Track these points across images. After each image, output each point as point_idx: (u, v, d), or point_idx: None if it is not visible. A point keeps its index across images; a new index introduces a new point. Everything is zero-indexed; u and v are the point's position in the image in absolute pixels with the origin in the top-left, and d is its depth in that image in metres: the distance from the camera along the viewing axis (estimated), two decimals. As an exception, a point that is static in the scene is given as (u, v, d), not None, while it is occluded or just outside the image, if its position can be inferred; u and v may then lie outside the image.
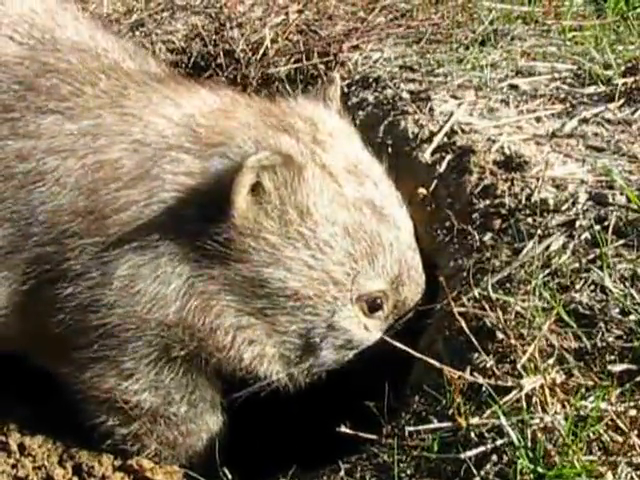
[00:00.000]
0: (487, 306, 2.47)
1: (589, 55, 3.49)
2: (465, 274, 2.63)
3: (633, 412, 2.12)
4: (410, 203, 2.83)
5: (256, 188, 2.45)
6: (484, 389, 2.28)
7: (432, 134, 3.10)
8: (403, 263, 2.63)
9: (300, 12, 4.15)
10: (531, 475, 2.05)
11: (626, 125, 3.03)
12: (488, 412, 2.22)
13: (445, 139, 3.07)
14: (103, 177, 2.53)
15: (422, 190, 3.00)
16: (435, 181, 3.00)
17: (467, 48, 3.71)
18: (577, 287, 2.46)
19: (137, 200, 2.49)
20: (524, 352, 2.30)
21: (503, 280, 2.55)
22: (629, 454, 2.06)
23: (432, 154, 3.06)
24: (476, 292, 2.52)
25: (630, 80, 3.22)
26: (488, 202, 2.82)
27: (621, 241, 2.53)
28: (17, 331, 2.68)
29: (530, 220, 2.69)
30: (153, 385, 2.63)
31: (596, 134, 3.02)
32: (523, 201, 2.75)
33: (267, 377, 2.60)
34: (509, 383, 2.27)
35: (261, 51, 3.94)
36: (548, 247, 2.58)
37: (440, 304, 2.64)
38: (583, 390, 2.18)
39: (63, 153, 2.57)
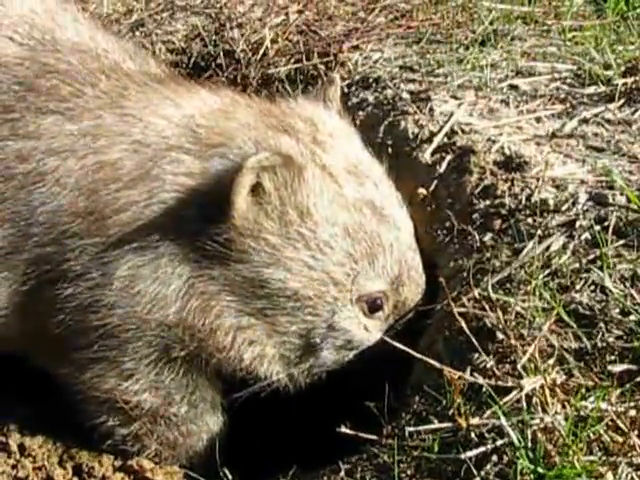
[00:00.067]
0: (487, 306, 2.47)
1: (589, 55, 3.50)
2: (465, 274, 2.63)
3: (633, 412, 2.12)
4: (410, 203, 2.83)
5: (256, 189, 2.45)
6: (484, 389, 2.28)
7: (432, 134, 3.10)
8: (403, 263, 2.63)
9: (300, 12, 4.15)
10: (531, 475, 2.05)
11: (626, 125, 3.03)
12: (488, 412, 2.22)
13: (445, 139, 3.07)
14: (103, 178, 2.53)
15: (422, 190, 3.00)
16: (435, 181, 3.00)
17: (467, 48, 3.71)
18: (577, 287, 2.46)
19: (137, 201, 2.49)
20: (524, 352, 2.30)
21: (503, 280, 2.55)
22: (629, 454, 2.06)
23: (432, 154, 3.06)
24: (476, 292, 2.52)
25: (630, 80, 3.22)
26: (488, 202, 2.82)
27: (621, 241, 2.53)
28: (17, 331, 2.68)
29: (530, 220, 2.69)
30: (153, 385, 2.64)
31: (596, 134, 3.02)
32: (523, 201, 2.76)
33: (267, 377, 2.60)
34: (509, 383, 2.27)
35: (261, 51, 3.94)
36: (548, 247, 2.58)
37: (440, 304, 2.64)
38: (583, 390, 2.18)
39: (63, 154, 2.57)
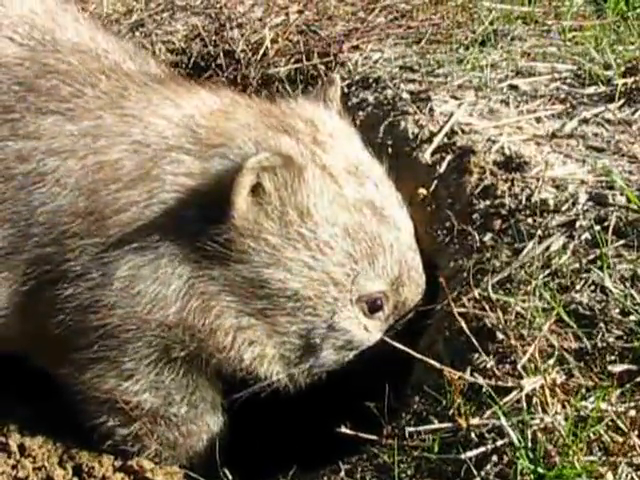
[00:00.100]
0: (487, 306, 2.47)
1: (589, 55, 3.50)
2: (465, 274, 2.63)
3: (633, 412, 2.12)
4: (410, 204, 2.83)
5: (256, 189, 2.45)
6: (484, 390, 2.28)
7: (432, 134, 3.10)
8: (403, 264, 2.63)
9: (300, 12, 4.15)
10: (531, 475, 2.05)
11: (626, 125, 3.03)
12: (488, 413, 2.22)
13: (445, 139, 3.07)
14: (103, 178, 2.53)
15: (422, 190, 3.00)
16: (435, 181, 3.00)
17: (467, 48, 3.71)
18: (577, 287, 2.46)
19: (137, 201, 2.49)
20: (524, 352, 2.30)
21: (503, 280, 2.55)
22: (629, 454, 2.06)
23: (432, 154, 3.06)
24: (476, 292, 2.52)
25: (630, 80, 3.22)
26: (488, 202, 2.82)
27: (621, 241, 2.53)
28: (17, 332, 2.68)
29: (530, 220, 2.69)
30: (153, 386, 2.64)
31: (596, 134, 3.03)
32: (523, 201, 2.76)
33: (267, 378, 2.60)
34: (509, 383, 2.27)
35: (261, 51, 3.94)
36: (548, 247, 2.58)
37: (440, 304, 2.64)
38: (583, 390, 2.18)
39: (63, 154, 2.57)
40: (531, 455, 2.07)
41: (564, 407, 2.16)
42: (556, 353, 2.29)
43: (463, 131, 3.07)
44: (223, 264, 2.48)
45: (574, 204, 2.69)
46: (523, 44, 3.74)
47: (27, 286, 2.59)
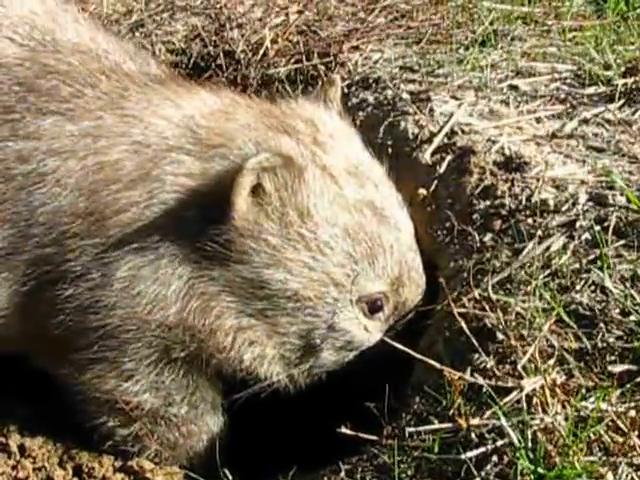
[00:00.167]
0: (487, 307, 2.47)
1: (589, 55, 3.50)
2: (465, 275, 2.63)
3: (633, 413, 2.12)
4: (410, 204, 2.83)
5: (256, 189, 2.45)
6: (484, 390, 2.28)
7: (432, 135, 3.10)
8: (403, 264, 2.63)
9: (300, 13, 4.15)
10: (532, 476, 2.05)
11: (626, 125, 3.03)
12: (488, 413, 2.22)
13: (445, 140, 3.07)
14: (103, 178, 2.53)
15: (422, 191, 3.00)
16: (435, 182, 3.00)
17: (467, 49, 3.71)
18: (577, 288, 2.46)
19: (137, 201, 2.49)
20: (524, 353, 2.31)
21: (503, 281, 2.55)
22: (629, 455, 2.06)
23: (432, 155, 3.06)
24: (476, 293, 2.52)
25: (630, 80, 3.22)
26: (488, 203, 2.82)
27: (621, 242, 2.53)
28: (17, 332, 2.68)
29: (530, 221, 2.69)
30: (154, 386, 2.64)
31: (596, 135, 3.03)
32: (523, 202, 2.76)
33: (267, 378, 2.60)
34: (509, 384, 2.27)
35: (261, 52, 3.94)
36: (548, 248, 2.58)
37: (440, 305, 2.64)
38: (583, 391, 2.18)
39: (63, 154, 2.57)
40: (531, 455, 2.07)
41: (564, 407, 2.16)
42: (556, 353, 2.29)
43: (463, 131, 3.07)
44: (223, 265, 2.48)
45: (574, 204, 2.69)
46: (523, 44, 3.74)
47: (27, 286, 2.59)
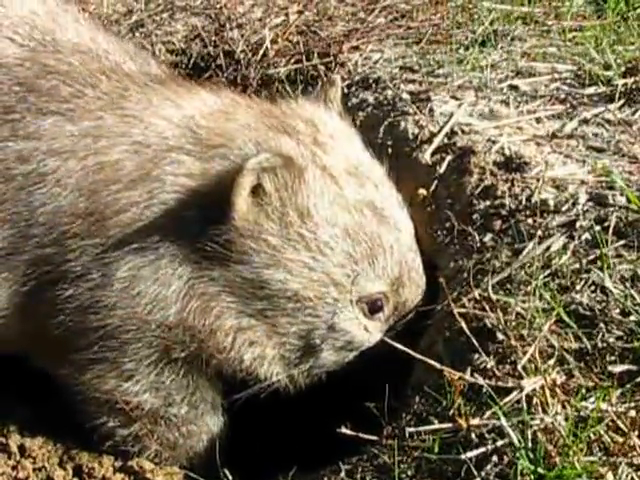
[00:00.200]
0: (487, 307, 2.47)
1: (589, 56, 3.49)
2: (465, 275, 2.63)
3: (633, 413, 2.12)
4: (410, 204, 2.83)
5: (257, 190, 2.45)
6: (484, 390, 2.28)
7: (432, 135, 3.10)
8: (404, 265, 2.64)
9: (300, 13, 4.15)
10: (532, 476, 2.05)
11: (626, 126, 3.03)
12: (488, 413, 2.22)
13: (445, 140, 3.07)
14: (104, 178, 2.53)
15: (422, 191, 3.00)
16: (435, 182, 3.00)
17: (467, 49, 3.71)
18: (577, 288, 2.46)
19: (138, 201, 2.50)
20: (524, 353, 2.31)
21: (503, 281, 2.55)
22: (629, 455, 2.06)
23: (432, 155, 3.06)
24: (476, 293, 2.52)
25: (630, 81, 3.22)
26: (488, 203, 2.82)
27: (621, 242, 2.53)
28: (17, 332, 2.68)
29: (530, 221, 2.69)
30: (154, 386, 2.64)
31: (596, 135, 3.03)
32: (523, 202, 2.76)
33: (267, 378, 2.60)
34: (509, 384, 2.27)
35: (261, 52, 3.94)
36: (548, 248, 2.58)
37: (440, 305, 2.64)
38: (583, 391, 2.18)
39: (64, 154, 2.57)
40: (531, 455, 2.07)
41: (564, 407, 2.16)
42: (556, 353, 2.29)
43: (463, 131, 3.07)
44: (223, 265, 2.48)
45: (574, 204, 2.69)
46: (523, 44, 3.74)
47: (27, 287, 2.59)
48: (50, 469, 2.73)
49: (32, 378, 2.78)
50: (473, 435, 2.21)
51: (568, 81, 3.38)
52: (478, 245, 2.73)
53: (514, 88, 3.35)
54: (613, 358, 2.27)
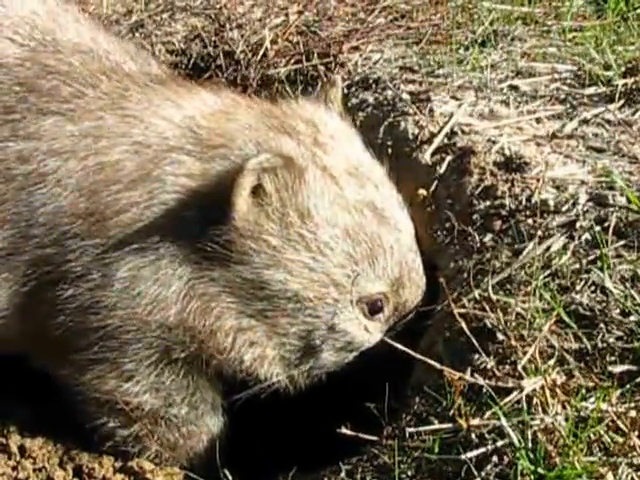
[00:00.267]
0: (487, 307, 2.47)
1: (589, 56, 3.50)
2: (465, 275, 2.63)
3: (633, 413, 2.12)
4: (410, 204, 2.83)
5: (257, 190, 2.45)
6: (485, 390, 2.28)
7: (432, 135, 3.10)
8: (404, 265, 2.64)
9: (300, 13, 4.15)
10: (532, 476, 2.05)
11: (626, 126, 3.03)
12: (489, 413, 2.22)
13: (445, 140, 3.06)
14: (104, 179, 2.53)
15: (422, 191, 3.00)
16: (435, 182, 3.00)
17: (467, 49, 3.71)
18: (577, 288, 2.46)
19: (138, 202, 2.50)
20: (524, 353, 2.30)
21: (503, 281, 2.55)
22: (630, 455, 2.06)
23: (432, 155, 3.06)
24: (476, 293, 2.52)
25: (630, 81, 3.22)
26: (488, 203, 2.82)
27: (621, 242, 2.53)
28: (17, 332, 2.68)
29: (530, 221, 2.69)
30: (154, 387, 2.64)
31: (596, 135, 3.02)
32: (523, 202, 2.76)
33: (267, 379, 2.60)
34: (509, 384, 2.27)
35: (261, 52, 3.94)
36: (548, 248, 2.58)
37: (440, 305, 2.64)
38: (584, 391, 2.18)
39: (64, 155, 2.57)
40: (531, 456, 2.07)
41: (564, 408, 2.16)
42: (556, 354, 2.29)
43: (463, 132, 3.07)
44: (223, 265, 2.48)
45: (574, 205, 2.69)
46: (523, 44, 3.74)
47: (27, 287, 2.59)
48: (50, 469, 2.73)
49: (32, 378, 2.78)
50: (473, 435, 2.21)
51: (568, 81, 3.38)
52: (478, 245, 2.73)
53: (514, 88, 3.35)
54: (613, 358, 2.27)
